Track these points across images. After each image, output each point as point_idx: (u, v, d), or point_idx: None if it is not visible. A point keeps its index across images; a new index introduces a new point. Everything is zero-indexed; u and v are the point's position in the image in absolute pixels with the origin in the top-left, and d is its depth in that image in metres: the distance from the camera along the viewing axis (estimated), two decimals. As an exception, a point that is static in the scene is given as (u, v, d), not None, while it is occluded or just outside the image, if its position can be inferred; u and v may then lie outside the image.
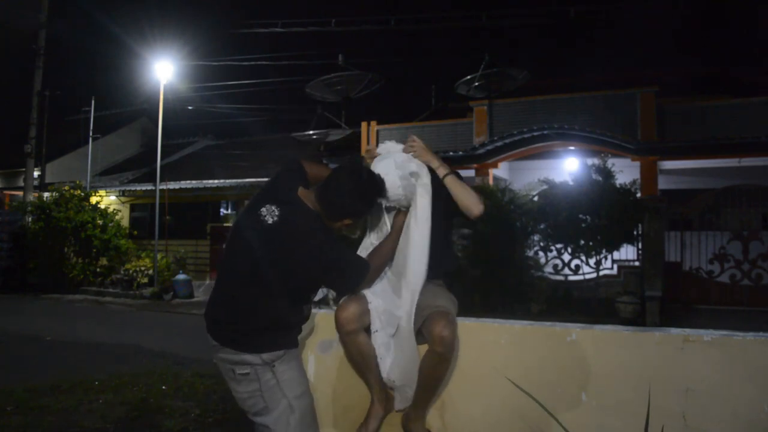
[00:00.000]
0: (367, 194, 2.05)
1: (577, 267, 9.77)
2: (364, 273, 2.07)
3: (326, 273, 2.00)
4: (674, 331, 2.03)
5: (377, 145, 2.39)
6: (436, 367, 2.11)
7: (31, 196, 15.27)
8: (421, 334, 2.14)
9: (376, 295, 2.20)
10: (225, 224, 15.21)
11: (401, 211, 2.25)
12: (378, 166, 2.21)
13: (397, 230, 2.23)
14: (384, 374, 2.21)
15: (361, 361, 2.21)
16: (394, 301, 2.22)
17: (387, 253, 2.21)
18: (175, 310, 10.94)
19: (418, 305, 2.16)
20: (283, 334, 2.00)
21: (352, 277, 2.07)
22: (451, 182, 2.24)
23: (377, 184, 2.09)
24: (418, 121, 15.89)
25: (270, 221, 1.95)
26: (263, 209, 1.97)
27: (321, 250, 1.96)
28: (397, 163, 2.19)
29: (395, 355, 2.19)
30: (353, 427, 2.33)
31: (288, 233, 1.95)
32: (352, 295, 2.17)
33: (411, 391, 2.20)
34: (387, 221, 2.32)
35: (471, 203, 2.21)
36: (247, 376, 1.95)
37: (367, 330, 2.20)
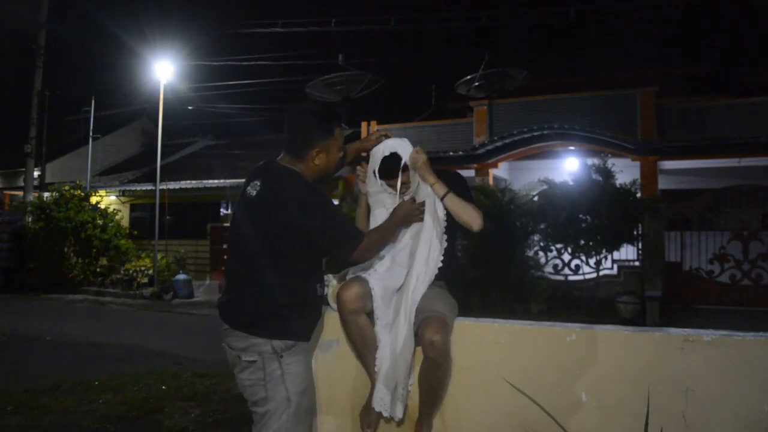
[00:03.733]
0: (319, 108, 2.10)
1: (577, 267, 9.77)
2: (358, 237, 2.01)
3: (313, 226, 1.94)
4: (674, 331, 2.03)
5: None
6: (431, 374, 2.11)
7: (31, 196, 15.26)
8: (417, 336, 2.14)
9: (379, 280, 2.20)
10: (225, 224, 15.19)
11: (407, 201, 2.24)
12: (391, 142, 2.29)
13: (399, 216, 2.20)
14: (376, 361, 2.20)
15: (361, 342, 2.22)
16: (396, 289, 2.23)
17: (386, 232, 2.17)
18: (175, 310, 10.94)
19: (417, 308, 2.17)
20: (294, 319, 1.97)
21: (343, 236, 2.00)
22: (449, 201, 2.24)
23: (325, 102, 2.17)
24: (418, 121, 15.90)
25: (253, 193, 2.00)
26: (248, 187, 2.03)
27: (302, 201, 1.93)
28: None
29: (391, 346, 2.18)
30: (354, 427, 2.33)
31: (270, 196, 1.96)
32: (351, 265, 2.16)
33: (396, 388, 2.16)
34: (391, 201, 2.32)
35: (470, 219, 2.25)
36: (253, 364, 1.94)
37: (370, 315, 2.21)
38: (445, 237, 2.28)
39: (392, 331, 2.18)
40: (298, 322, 1.99)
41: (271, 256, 1.95)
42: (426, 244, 2.24)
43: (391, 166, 2.26)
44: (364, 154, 2.49)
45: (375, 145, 2.37)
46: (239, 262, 2.05)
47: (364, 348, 2.23)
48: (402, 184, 2.28)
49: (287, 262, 1.96)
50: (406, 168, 2.27)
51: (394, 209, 2.22)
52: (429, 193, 2.27)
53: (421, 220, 2.25)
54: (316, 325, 2.17)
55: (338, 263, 2.28)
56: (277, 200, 1.95)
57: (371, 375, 2.25)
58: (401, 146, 2.28)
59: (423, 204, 2.25)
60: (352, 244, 1.99)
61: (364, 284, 2.18)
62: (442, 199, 2.24)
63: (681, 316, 8.68)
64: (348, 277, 2.31)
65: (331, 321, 2.36)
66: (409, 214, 2.22)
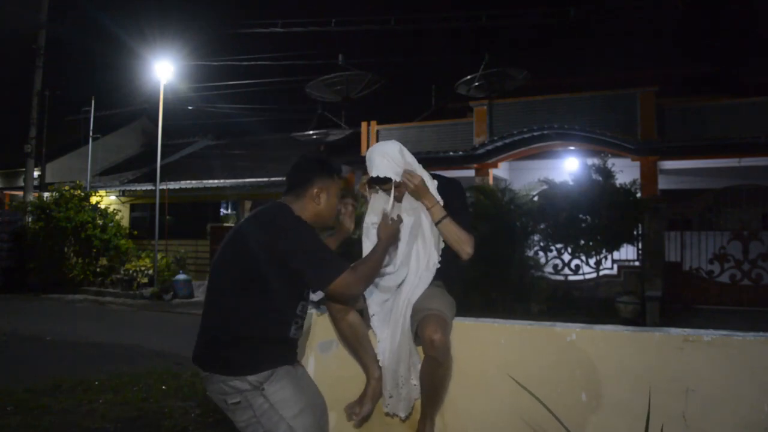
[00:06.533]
0: (321, 156, 2.18)
1: (577, 267, 9.77)
2: (339, 268, 1.94)
3: (292, 255, 1.90)
4: (674, 331, 2.03)
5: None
6: (432, 372, 2.11)
7: (31, 196, 15.26)
8: (418, 336, 2.14)
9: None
10: (225, 224, 15.23)
11: (390, 222, 2.18)
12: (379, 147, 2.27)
13: (384, 239, 2.14)
14: (378, 356, 2.21)
15: (354, 339, 2.22)
16: (392, 288, 2.23)
17: (376, 262, 2.10)
18: (175, 310, 10.94)
19: (414, 307, 2.17)
20: (265, 350, 1.93)
21: (324, 267, 1.94)
22: (444, 226, 2.23)
23: (329, 157, 2.22)
24: (418, 121, 15.89)
25: (242, 221, 2.04)
26: (241, 220, 2.06)
27: (284, 226, 1.94)
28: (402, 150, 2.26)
29: (390, 344, 2.19)
30: (354, 427, 2.33)
31: (253, 225, 1.99)
32: (334, 296, 2.06)
33: (397, 387, 2.18)
34: (388, 203, 2.30)
35: (461, 247, 2.25)
36: (239, 405, 1.91)
37: (360, 312, 2.22)
38: (442, 238, 2.28)
39: (390, 328, 2.19)
40: (269, 354, 1.95)
41: (244, 288, 1.92)
42: (426, 246, 2.25)
43: (379, 180, 2.25)
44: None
45: (352, 225, 2.35)
46: (212, 294, 2.02)
47: (357, 344, 2.23)
48: (396, 189, 2.27)
49: (261, 295, 1.91)
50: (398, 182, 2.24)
51: (378, 232, 2.17)
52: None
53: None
54: (295, 355, 2.10)
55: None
56: (259, 227, 1.96)
57: (366, 371, 2.25)
58: (383, 161, 2.22)
59: (401, 220, 2.22)
60: (330, 273, 1.93)
61: None
62: (437, 224, 2.23)
63: (681, 316, 8.68)
64: None
65: (328, 322, 2.36)
66: (393, 233, 2.19)
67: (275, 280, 1.92)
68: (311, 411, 1.99)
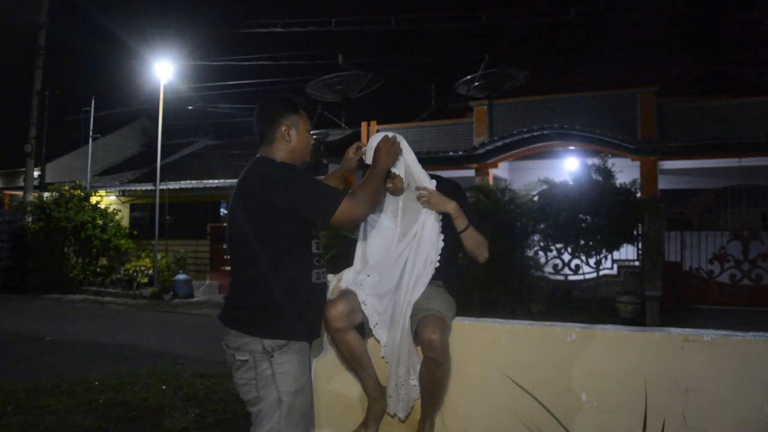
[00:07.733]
0: (280, 95, 2.16)
1: (577, 267, 9.76)
2: (336, 197, 1.93)
3: (284, 194, 1.90)
4: (674, 331, 2.03)
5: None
6: (432, 373, 2.11)
7: (31, 196, 15.26)
8: (417, 336, 2.14)
9: (370, 290, 2.19)
10: (225, 224, 15.19)
11: (382, 141, 2.17)
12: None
13: (381, 158, 2.12)
14: (382, 352, 2.21)
15: (353, 360, 2.20)
16: (390, 290, 2.22)
17: (374, 182, 2.07)
18: (175, 310, 10.94)
19: (414, 307, 2.17)
20: (287, 315, 1.94)
21: (321, 201, 1.93)
22: (467, 235, 2.25)
23: (290, 93, 2.23)
24: (418, 121, 15.89)
25: (234, 191, 2.04)
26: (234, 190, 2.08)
27: (269, 173, 1.95)
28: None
29: (389, 345, 2.19)
30: (354, 428, 2.33)
31: (242, 184, 2.00)
32: (339, 223, 2.00)
33: (397, 388, 2.18)
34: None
35: (481, 252, 2.30)
36: (245, 363, 1.93)
37: (358, 328, 2.19)
38: (442, 237, 2.28)
39: (390, 330, 2.19)
40: (291, 319, 1.95)
41: (254, 248, 1.94)
42: (422, 245, 2.24)
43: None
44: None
45: (356, 160, 2.34)
46: (231, 260, 2.08)
47: (355, 364, 2.21)
48: (389, 180, 2.27)
49: (271, 250, 1.93)
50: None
51: (375, 152, 2.15)
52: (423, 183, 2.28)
53: (401, 151, 2.20)
54: (320, 322, 2.11)
55: (338, 263, 2.26)
56: (247, 183, 1.98)
57: (366, 392, 2.25)
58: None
59: (396, 137, 2.20)
60: (331, 204, 1.92)
61: (351, 299, 2.15)
62: (461, 232, 2.24)
63: (681, 316, 8.68)
64: (338, 284, 2.29)
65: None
66: (389, 152, 2.16)
67: (283, 233, 1.93)
68: (305, 394, 2.00)
